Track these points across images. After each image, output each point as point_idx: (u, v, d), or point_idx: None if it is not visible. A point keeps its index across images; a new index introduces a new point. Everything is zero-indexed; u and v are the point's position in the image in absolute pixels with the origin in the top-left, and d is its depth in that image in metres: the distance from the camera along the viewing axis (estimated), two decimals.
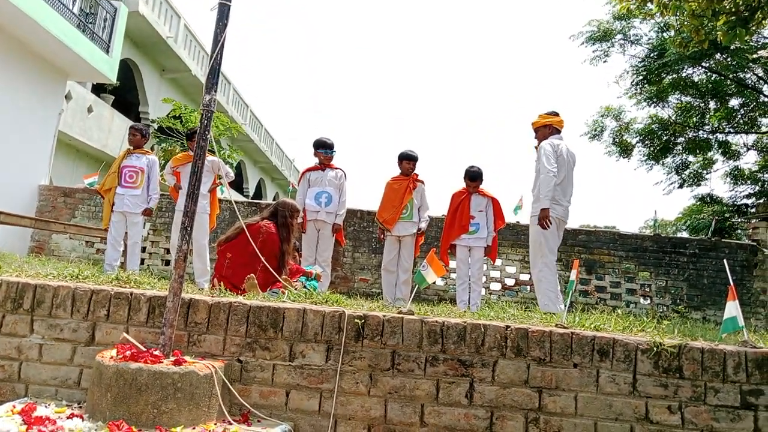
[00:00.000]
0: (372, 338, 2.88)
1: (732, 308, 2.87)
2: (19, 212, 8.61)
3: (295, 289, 3.97)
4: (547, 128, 5.24)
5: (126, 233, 6.68)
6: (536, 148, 5.25)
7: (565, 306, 3.23)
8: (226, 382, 2.77)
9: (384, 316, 2.91)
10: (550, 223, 4.86)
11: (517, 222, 9.09)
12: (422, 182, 6.55)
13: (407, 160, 6.48)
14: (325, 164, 6.49)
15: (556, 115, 5.26)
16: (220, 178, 6.59)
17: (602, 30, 15.13)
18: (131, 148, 6.81)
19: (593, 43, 15.47)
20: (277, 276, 4.18)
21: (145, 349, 2.73)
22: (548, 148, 5.00)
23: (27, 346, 3.01)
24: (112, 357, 2.65)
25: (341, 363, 2.85)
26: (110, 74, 11.33)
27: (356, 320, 2.89)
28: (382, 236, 6.58)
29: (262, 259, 4.06)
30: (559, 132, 5.23)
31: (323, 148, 6.48)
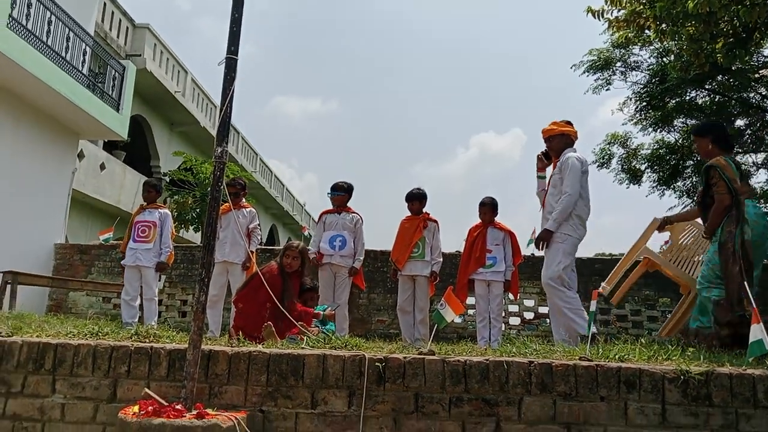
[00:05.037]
0: (394, 381, 2.85)
1: (757, 331, 2.83)
2: (36, 271, 8.71)
3: (313, 334, 3.95)
4: (564, 138, 4.77)
5: (141, 287, 6.70)
6: (542, 156, 4.92)
7: (588, 337, 3.19)
8: None
9: (405, 357, 2.89)
10: (546, 247, 4.53)
11: (532, 254, 9.02)
12: (435, 221, 6.51)
13: (412, 200, 6.47)
14: (340, 207, 6.52)
15: (571, 125, 4.84)
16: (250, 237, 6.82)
17: (603, 58, 15.26)
18: (145, 203, 6.91)
19: (594, 72, 15.59)
20: (292, 319, 4.16)
21: (167, 404, 2.71)
22: (577, 166, 4.54)
23: (49, 406, 3.00)
24: (134, 413, 2.63)
25: (364, 408, 2.82)
26: (121, 131, 11.55)
27: (377, 363, 2.87)
28: (394, 276, 6.53)
29: (275, 304, 4.08)
30: (573, 144, 4.79)
31: (333, 190, 6.53)
